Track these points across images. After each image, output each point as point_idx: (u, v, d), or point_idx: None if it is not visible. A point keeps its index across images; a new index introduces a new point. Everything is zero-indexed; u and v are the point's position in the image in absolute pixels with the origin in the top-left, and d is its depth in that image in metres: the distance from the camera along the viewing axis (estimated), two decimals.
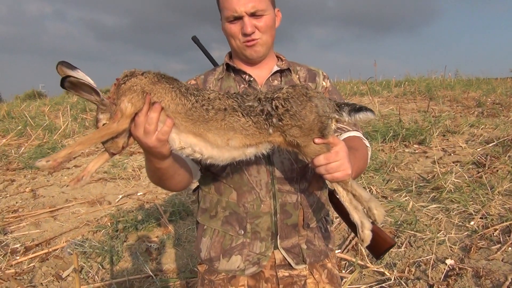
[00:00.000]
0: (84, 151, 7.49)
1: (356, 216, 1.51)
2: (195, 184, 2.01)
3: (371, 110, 1.50)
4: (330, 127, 1.49)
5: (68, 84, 1.36)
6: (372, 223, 1.52)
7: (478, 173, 5.24)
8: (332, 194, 1.96)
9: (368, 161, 1.91)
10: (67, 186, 6.01)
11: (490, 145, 6.09)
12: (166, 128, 1.43)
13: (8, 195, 5.93)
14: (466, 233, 3.95)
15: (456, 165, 5.55)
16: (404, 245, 3.86)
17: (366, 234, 1.49)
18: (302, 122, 1.43)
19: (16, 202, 5.68)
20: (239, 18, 1.76)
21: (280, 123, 1.45)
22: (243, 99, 1.50)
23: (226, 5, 1.77)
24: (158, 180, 1.73)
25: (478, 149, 6.03)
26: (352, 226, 1.63)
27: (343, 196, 1.54)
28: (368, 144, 1.91)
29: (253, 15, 1.74)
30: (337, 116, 1.51)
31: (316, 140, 1.46)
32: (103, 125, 1.48)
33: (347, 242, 4.04)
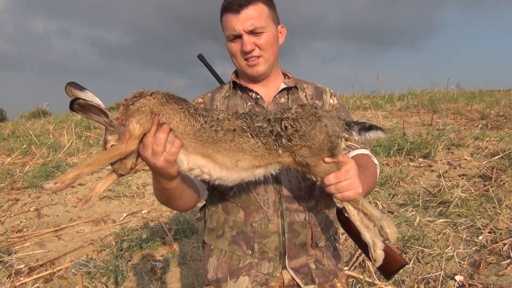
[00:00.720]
0: None
1: (368, 236, 1.49)
2: (201, 203, 1.99)
3: (381, 129, 1.49)
4: (340, 146, 1.48)
5: (77, 106, 1.36)
6: (384, 241, 1.50)
7: (485, 186, 5.20)
8: (340, 212, 1.93)
9: (377, 178, 1.90)
10: (75, 207, 5.98)
11: (496, 157, 6.05)
12: (174, 149, 1.43)
13: (12, 215, 5.91)
14: (474, 248, 3.90)
15: (462, 178, 5.50)
16: (412, 261, 3.81)
17: (379, 253, 1.47)
18: (311, 142, 1.42)
19: (21, 222, 5.66)
20: (239, 36, 1.77)
21: (289, 143, 1.44)
22: (252, 119, 1.50)
23: (226, 24, 1.79)
24: (165, 200, 1.72)
25: (484, 162, 5.99)
26: (362, 246, 1.61)
27: (354, 215, 1.52)
28: (376, 162, 1.90)
29: (252, 32, 1.75)
30: (346, 135, 1.50)
31: (326, 159, 1.45)
32: (111, 146, 1.48)
33: (354, 259, 3.99)
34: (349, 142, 1.64)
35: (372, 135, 1.49)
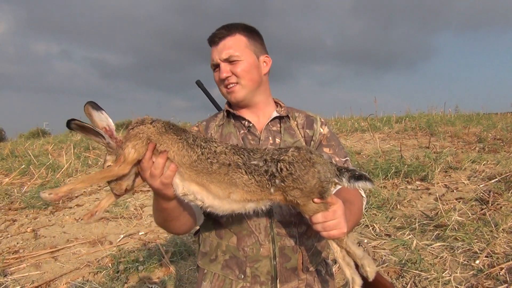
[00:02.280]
0: (87, 190, 7.50)
1: (348, 273, 1.56)
2: (196, 227, 2.02)
3: (370, 180, 1.54)
4: (330, 190, 1.54)
5: (74, 126, 1.45)
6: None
7: (482, 210, 5.20)
8: None
9: (363, 211, 1.96)
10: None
11: (493, 181, 6.07)
12: (169, 173, 1.49)
13: (9, 236, 5.89)
14: (471, 272, 3.88)
15: (459, 202, 5.51)
16: (409, 285, 3.79)
17: None
18: (303, 186, 1.48)
19: (17, 243, 5.63)
20: (218, 66, 1.88)
21: (282, 184, 1.49)
22: (249, 156, 1.54)
23: (210, 56, 1.91)
24: (163, 221, 1.76)
25: (481, 185, 6.01)
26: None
27: (337, 252, 1.58)
28: (363, 194, 1.95)
29: (227, 61, 1.85)
30: (336, 181, 1.56)
31: (315, 200, 1.50)
32: (107, 166, 1.54)
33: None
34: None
35: (361, 185, 1.55)
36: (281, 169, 1.49)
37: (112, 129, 1.54)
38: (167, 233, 5.49)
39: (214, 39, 1.89)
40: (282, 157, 1.52)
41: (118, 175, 1.51)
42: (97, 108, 1.53)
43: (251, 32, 1.93)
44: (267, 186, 1.51)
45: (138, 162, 1.52)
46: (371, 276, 1.53)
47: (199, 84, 2.29)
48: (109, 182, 1.55)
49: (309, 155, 1.52)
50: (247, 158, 1.54)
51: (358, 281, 1.54)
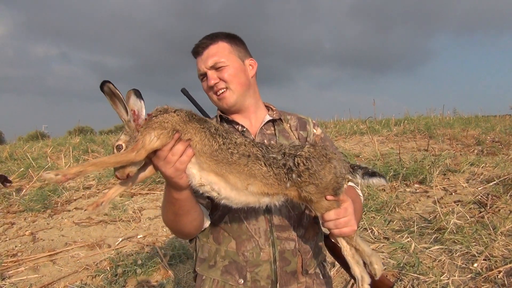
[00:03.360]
0: (85, 193, 7.50)
1: (357, 271, 1.57)
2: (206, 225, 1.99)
3: (383, 177, 1.58)
4: (344, 187, 1.56)
5: (107, 89, 1.45)
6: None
7: (480, 213, 5.21)
8: (328, 238, 1.98)
9: (363, 211, 1.98)
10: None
11: (491, 184, 6.07)
12: (185, 158, 1.48)
13: (7, 239, 5.88)
14: (469, 276, 3.89)
15: (458, 205, 5.52)
16: None
17: None
18: (320, 181, 1.50)
19: (16, 246, 5.63)
20: (205, 75, 1.90)
21: (298, 179, 1.50)
22: (268, 150, 1.56)
23: (197, 67, 1.93)
24: (173, 216, 1.71)
25: (479, 188, 6.02)
26: (346, 267, 1.68)
27: (346, 250, 1.60)
28: (361, 193, 1.97)
29: (214, 68, 1.88)
30: (350, 177, 1.58)
31: (328, 197, 1.52)
32: (118, 146, 1.51)
33: (349, 286, 3.97)
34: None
35: (375, 181, 1.58)
36: (298, 164, 1.51)
37: (140, 115, 1.53)
38: (166, 235, 5.49)
39: (198, 50, 1.92)
40: (299, 153, 1.53)
41: (134, 161, 1.48)
42: (139, 96, 1.54)
43: (233, 38, 1.97)
44: (284, 180, 1.52)
45: (154, 152, 1.49)
46: (378, 274, 1.55)
47: (184, 92, 2.29)
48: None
49: (324, 151, 1.55)
50: (266, 151, 1.55)
51: (367, 279, 1.56)
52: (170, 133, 1.47)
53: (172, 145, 1.47)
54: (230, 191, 1.53)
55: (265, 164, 1.52)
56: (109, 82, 1.45)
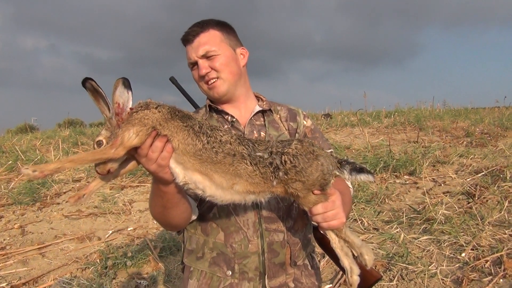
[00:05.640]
0: (75, 186, 7.45)
1: (346, 262, 1.57)
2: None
3: (371, 173, 1.56)
4: (331, 182, 1.54)
5: (89, 85, 1.44)
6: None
7: (468, 203, 5.26)
8: (317, 230, 1.97)
9: (352, 202, 1.98)
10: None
11: (479, 175, 6.14)
12: (165, 154, 1.45)
13: None
14: (457, 265, 3.94)
15: (446, 195, 5.57)
16: (396, 279, 3.83)
17: (355, 279, 1.55)
18: (306, 178, 1.48)
19: (4, 239, 5.58)
20: (195, 63, 1.87)
21: (285, 176, 1.49)
22: (254, 148, 1.53)
23: (186, 55, 1.90)
24: (162, 209, 1.68)
25: (468, 179, 6.08)
26: (335, 258, 1.69)
27: (335, 242, 1.59)
28: (350, 185, 1.96)
29: (205, 57, 1.84)
30: (337, 173, 1.56)
31: (315, 192, 1.51)
32: (98, 141, 1.49)
33: (339, 276, 4.00)
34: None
35: (363, 177, 1.57)
36: (285, 162, 1.49)
37: (124, 108, 1.48)
38: (156, 228, 5.48)
39: (188, 37, 1.87)
40: (286, 150, 1.51)
41: (113, 158, 1.44)
42: (126, 86, 1.49)
43: (224, 26, 1.92)
44: (271, 178, 1.50)
45: (135, 148, 1.45)
46: (369, 264, 1.55)
47: (173, 80, 2.26)
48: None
49: (311, 148, 1.53)
50: (252, 149, 1.52)
51: (356, 270, 1.56)
52: (149, 130, 1.44)
53: (151, 142, 1.43)
54: (215, 190, 1.51)
55: (251, 163, 1.49)
56: (91, 79, 1.42)
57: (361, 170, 1.56)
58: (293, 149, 1.51)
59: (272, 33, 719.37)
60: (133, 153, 1.47)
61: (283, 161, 1.49)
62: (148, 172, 1.62)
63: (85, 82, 1.43)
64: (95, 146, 1.50)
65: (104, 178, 1.55)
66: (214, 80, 1.86)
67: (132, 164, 1.56)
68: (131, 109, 1.49)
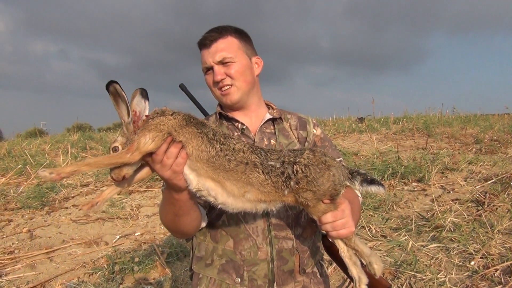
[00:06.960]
0: (83, 190, 7.48)
1: (355, 271, 1.57)
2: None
3: (382, 185, 1.57)
4: (341, 193, 1.54)
5: (113, 89, 1.45)
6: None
7: (478, 211, 5.21)
8: (325, 238, 1.97)
9: (361, 211, 1.97)
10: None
11: (489, 182, 6.08)
12: (180, 160, 1.46)
13: (4, 236, 5.86)
14: (466, 274, 3.89)
15: (455, 203, 5.52)
16: (404, 287, 3.80)
17: None
18: (317, 188, 1.49)
19: (13, 243, 5.61)
20: (211, 68, 1.87)
21: (296, 186, 1.49)
22: (267, 156, 1.54)
23: (202, 59, 1.90)
24: (173, 217, 1.69)
25: (477, 187, 6.02)
26: (343, 267, 1.68)
27: (344, 251, 1.59)
28: (359, 194, 1.95)
29: (221, 63, 1.84)
30: (348, 184, 1.57)
31: (325, 201, 1.51)
32: (114, 147, 1.51)
33: (346, 284, 3.97)
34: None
35: (373, 189, 1.57)
36: (297, 171, 1.49)
37: (140, 117, 1.52)
38: (163, 233, 5.48)
39: (206, 42, 1.87)
40: (298, 159, 1.52)
41: (129, 162, 1.46)
42: (144, 96, 1.53)
43: (241, 34, 1.93)
44: (282, 187, 1.51)
45: (149, 153, 1.48)
46: (378, 273, 1.54)
47: (182, 87, 2.27)
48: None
49: (324, 158, 1.53)
50: (265, 158, 1.53)
51: (365, 280, 1.55)
52: (165, 136, 1.46)
53: (166, 148, 1.45)
54: (227, 197, 1.52)
55: (263, 172, 1.50)
56: (116, 82, 1.44)
57: (372, 182, 1.56)
58: (305, 158, 1.52)
59: (277, 38, 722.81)
60: (148, 160, 1.49)
61: (294, 171, 1.50)
62: (157, 177, 1.63)
63: (110, 85, 1.45)
64: (111, 152, 1.52)
65: (119, 185, 1.56)
66: (228, 87, 1.87)
67: (146, 172, 1.58)
68: (147, 116, 1.51)
